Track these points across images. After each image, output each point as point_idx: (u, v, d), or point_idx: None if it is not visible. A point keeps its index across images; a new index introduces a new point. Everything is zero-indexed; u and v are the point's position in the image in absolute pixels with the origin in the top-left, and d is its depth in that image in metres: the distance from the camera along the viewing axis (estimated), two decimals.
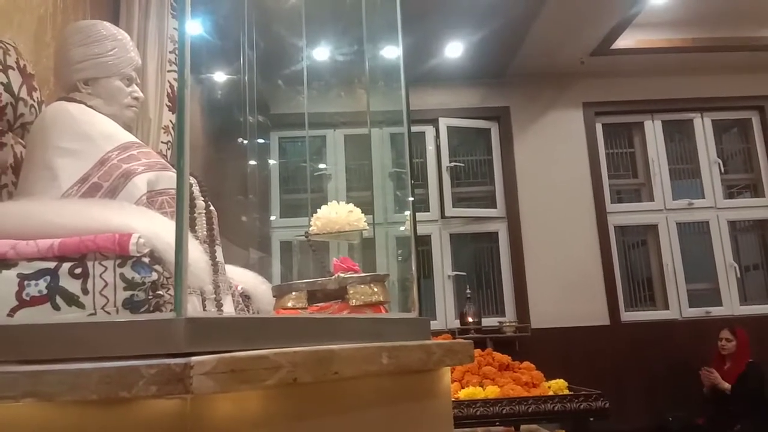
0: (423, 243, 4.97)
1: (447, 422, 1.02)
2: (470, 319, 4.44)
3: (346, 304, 1.24)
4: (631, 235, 5.11)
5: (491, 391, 1.56)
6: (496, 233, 5.00)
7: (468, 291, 4.58)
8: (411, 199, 1.19)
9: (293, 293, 1.23)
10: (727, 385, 4.10)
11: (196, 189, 1.53)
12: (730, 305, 4.86)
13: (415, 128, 5.05)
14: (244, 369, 0.63)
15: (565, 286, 4.76)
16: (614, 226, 4.98)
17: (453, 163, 4.99)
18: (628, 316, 4.80)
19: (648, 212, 5.03)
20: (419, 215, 4.95)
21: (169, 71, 2.43)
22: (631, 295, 4.95)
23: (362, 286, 1.25)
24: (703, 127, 5.17)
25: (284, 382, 0.67)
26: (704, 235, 5.01)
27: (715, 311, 4.82)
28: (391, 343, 0.86)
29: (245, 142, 3.14)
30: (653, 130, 5.16)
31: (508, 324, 4.53)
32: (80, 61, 1.57)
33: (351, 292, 1.22)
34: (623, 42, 4.62)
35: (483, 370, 1.70)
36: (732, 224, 5.05)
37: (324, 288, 1.25)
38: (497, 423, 1.56)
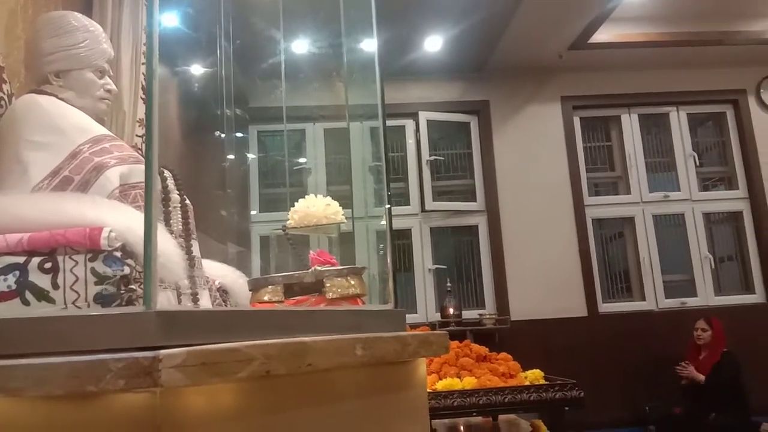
0: (403, 237, 4.98)
1: (422, 413, 1.03)
2: (450, 312, 4.47)
3: (323, 297, 1.24)
4: (609, 227, 5.18)
5: (468, 382, 1.57)
6: (476, 227, 5.03)
7: (448, 284, 4.61)
8: (387, 192, 1.19)
9: (269, 287, 1.23)
10: (701, 377, 4.17)
11: (171, 182, 1.51)
12: (705, 296, 4.95)
13: (395, 122, 5.05)
14: (215, 362, 0.63)
15: (544, 279, 4.81)
16: (592, 219, 5.04)
17: (433, 157, 5.00)
18: (605, 307, 4.87)
19: (625, 205, 5.10)
20: (400, 209, 4.97)
21: (143, 63, 2.39)
22: (608, 287, 5.02)
23: (339, 279, 1.25)
24: (678, 120, 5.24)
25: (257, 374, 0.67)
26: (680, 227, 5.09)
27: (691, 302, 4.91)
28: (365, 335, 0.86)
29: (223, 135, 3.11)
30: (630, 123, 5.23)
31: (488, 316, 4.57)
32: (51, 53, 1.54)
33: (328, 285, 1.22)
34: (601, 36, 4.67)
35: (460, 361, 1.71)
36: (707, 216, 5.15)
37: (301, 281, 1.25)
38: (474, 413, 1.58)
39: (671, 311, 4.85)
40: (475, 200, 5.06)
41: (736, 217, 5.16)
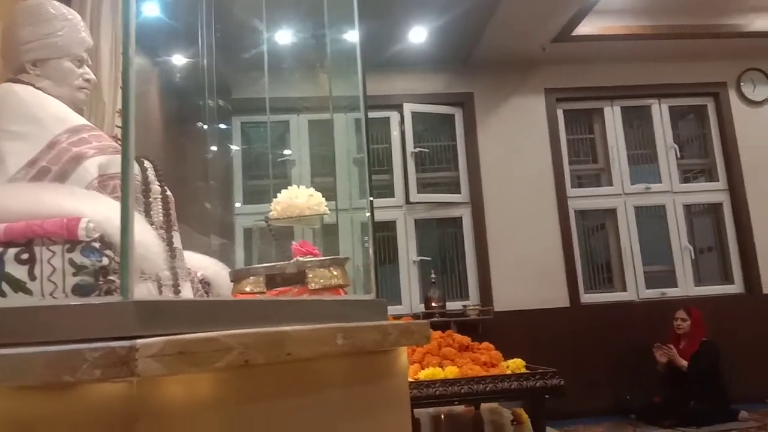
0: (388, 228, 4.98)
1: (404, 401, 1.03)
2: (435, 303, 4.49)
3: (305, 287, 1.24)
4: (591, 219, 5.23)
5: (450, 372, 1.58)
6: (461, 218, 5.05)
7: (433, 275, 4.62)
8: (368, 183, 1.19)
9: (251, 277, 1.22)
10: (684, 362, 4.24)
11: (151, 173, 1.49)
12: (685, 286, 5.02)
13: (379, 114, 5.04)
14: (193, 351, 0.62)
15: (527, 270, 4.85)
16: (575, 211, 5.08)
17: (418, 149, 5.00)
18: (587, 298, 4.93)
19: (607, 197, 5.15)
20: (384, 201, 4.97)
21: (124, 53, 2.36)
22: (590, 278, 5.07)
23: (321, 269, 1.25)
24: (660, 113, 5.30)
25: (235, 364, 0.67)
26: (661, 218, 5.15)
27: (671, 292, 4.98)
28: (346, 324, 0.86)
29: (205, 126, 3.09)
30: (612, 116, 5.27)
31: (471, 307, 4.60)
32: (28, 42, 1.51)
33: (310, 275, 1.22)
34: (584, 29, 4.69)
35: (443, 351, 1.72)
36: (687, 208, 5.21)
37: (283, 272, 1.25)
38: (456, 402, 1.59)
39: (652, 301, 4.92)
40: (459, 192, 5.08)
41: (716, 208, 5.24)
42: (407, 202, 4.95)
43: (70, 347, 0.56)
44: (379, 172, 5.08)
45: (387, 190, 5.04)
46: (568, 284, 4.86)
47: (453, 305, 4.66)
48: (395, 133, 5.07)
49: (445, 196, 5.06)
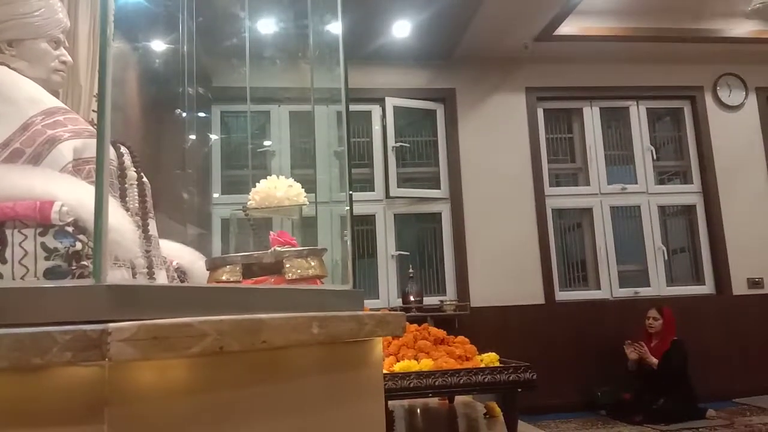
0: (367, 222, 4.99)
1: (378, 392, 1.04)
2: (412, 298, 4.51)
3: (282, 277, 1.23)
4: (568, 217, 5.29)
5: (425, 364, 1.60)
6: (440, 214, 5.07)
7: (411, 270, 4.64)
8: (348, 174, 1.19)
9: (227, 266, 1.22)
10: (654, 360, 4.33)
11: (128, 159, 1.47)
12: (658, 286, 5.11)
13: (361, 107, 5.04)
14: (166, 336, 0.62)
15: (504, 266, 4.89)
16: (552, 209, 5.14)
17: (399, 144, 5.01)
18: (562, 295, 4.99)
19: (584, 196, 5.22)
20: (364, 195, 4.97)
21: None
22: (565, 276, 5.14)
23: (299, 259, 1.25)
24: (638, 114, 5.37)
25: (210, 350, 0.67)
26: (635, 218, 5.24)
27: (644, 292, 5.07)
28: (322, 313, 0.86)
29: (184, 114, 3.05)
30: (591, 116, 5.33)
31: (448, 302, 4.62)
32: (3, 21, 1.48)
33: (287, 265, 1.22)
34: (566, 28, 4.73)
35: (418, 344, 1.73)
36: (662, 209, 5.30)
37: (260, 261, 1.24)
38: (430, 394, 1.60)
39: (625, 300, 5.00)
40: (439, 188, 5.10)
41: (689, 210, 5.34)
42: (387, 196, 4.96)
43: (39, 329, 0.56)
44: (360, 165, 5.08)
45: (367, 184, 5.04)
46: (544, 282, 4.91)
47: (430, 300, 4.69)
48: (377, 127, 5.07)
49: (424, 192, 5.08)
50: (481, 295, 4.81)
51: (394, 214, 5.03)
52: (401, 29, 4.57)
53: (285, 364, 0.86)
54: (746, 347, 4.85)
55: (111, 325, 0.57)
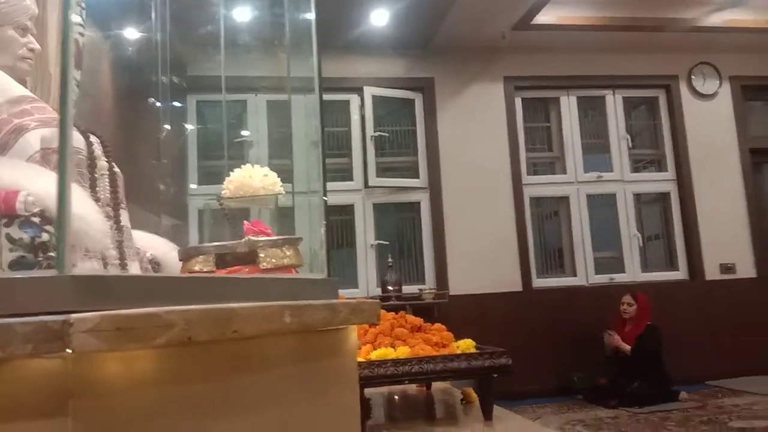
0: (346, 212, 4.98)
1: (352, 380, 1.04)
2: (391, 287, 4.52)
3: (256, 267, 1.23)
4: (545, 206, 5.34)
5: (402, 352, 1.60)
6: (419, 203, 5.08)
7: (390, 260, 4.65)
8: (321, 161, 1.19)
9: (200, 256, 1.20)
10: (627, 347, 4.41)
11: (98, 148, 1.45)
12: (633, 272, 5.20)
13: (339, 96, 5.01)
14: (132, 327, 0.61)
15: (482, 254, 4.92)
16: (529, 197, 5.18)
17: (377, 133, 5.00)
18: (539, 282, 5.05)
19: (561, 184, 5.27)
20: (343, 184, 4.96)
21: (76, 23, 2.26)
22: (542, 263, 5.19)
23: (274, 249, 1.24)
24: (614, 103, 5.43)
25: (177, 340, 0.66)
26: (611, 206, 5.31)
27: (619, 278, 5.15)
28: (294, 302, 0.86)
29: (159, 104, 3.00)
30: (568, 105, 5.37)
31: (427, 291, 4.65)
32: None
33: (262, 255, 1.21)
34: (544, 18, 4.75)
35: (395, 332, 1.74)
36: (637, 197, 5.38)
37: (234, 251, 1.23)
38: (407, 381, 1.61)
39: (600, 286, 5.07)
40: (418, 177, 5.10)
41: (664, 198, 5.42)
42: (366, 186, 4.95)
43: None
44: (338, 155, 5.06)
45: (346, 174, 5.03)
46: (522, 269, 4.96)
47: (409, 289, 4.70)
48: (355, 117, 5.05)
49: (403, 181, 5.08)
50: (459, 284, 4.85)
51: (373, 204, 5.03)
52: (379, 18, 4.54)
53: (258, 353, 0.86)
54: (718, 331, 4.97)
55: (73, 315, 0.56)
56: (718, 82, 5.45)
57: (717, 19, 5.00)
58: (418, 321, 1.88)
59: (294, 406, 0.92)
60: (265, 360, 0.87)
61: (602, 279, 5.13)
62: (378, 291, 4.69)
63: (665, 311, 4.72)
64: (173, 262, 1.70)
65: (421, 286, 4.80)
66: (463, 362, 1.60)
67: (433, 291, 4.67)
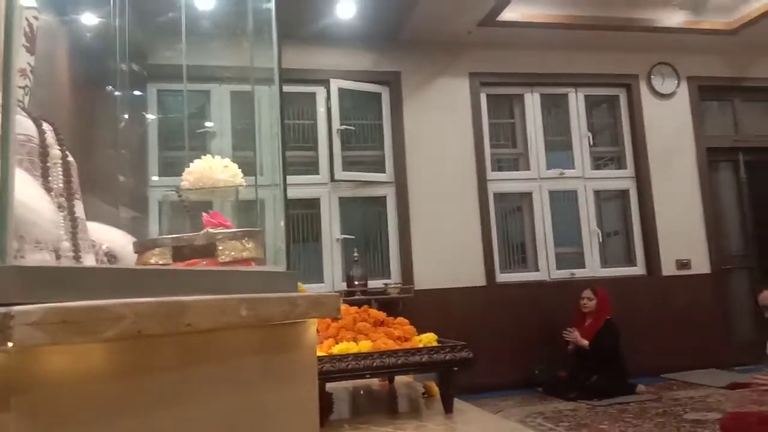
0: (312, 206, 4.95)
1: (311, 374, 1.03)
2: (356, 282, 4.51)
3: (215, 260, 1.20)
4: (509, 201, 5.41)
5: (364, 346, 1.60)
6: (385, 197, 5.08)
7: (356, 254, 4.64)
8: (280, 153, 1.17)
9: (156, 249, 1.17)
10: (585, 342, 4.50)
11: (51, 136, 1.40)
12: (593, 267, 5.31)
13: (305, 89, 4.97)
14: (78, 320, 0.59)
15: (447, 249, 4.96)
16: (494, 193, 5.23)
17: (344, 126, 4.97)
18: (502, 277, 5.11)
19: (524, 180, 5.34)
20: (309, 178, 4.92)
21: (27, 8, 2.18)
22: (506, 258, 5.26)
23: (233, 241, 1.22)
24: (576, 101, 5.52)
25: (127, 334, 0.64)
26: (573, 202, 5.40)
27: (579, 273, 5.25)
28: (251, 295, 0.84)
29: (117, 92, 2.91)
30: (532, 102, 5.44)
31: (392, 285, 4.66)
32: None
33: (220, 248, 1.19)
34: (509, 14, 4.79)
35: (358, 326, 1.74)
36: (597, 193, 5.49)
37: (191, 244, 1.21)
38: (368, 375, 1.61)
39: (562, 281, 5.17)
40: (384, 171, 5.10)
41: (623, 195, 5.55)
42: (332, 179, 4.92)
43: None
44: (304, 148, 5.02)
45: (311, 167, 5.00)
46: (485, 264, 5.02)
47: (375, 284, 4.71)
48: (321, 110, 5.02)
49: (370, 175, 5.08)
50: (425, 278, 4.87)
51: (340, 198, 5.00)
52: (346, 10, 4.52)
53: (214, 347, 0.84)
54: (674, 325, 5.11)
55: (15, 308, 0.53)
56: (676, 82, 5.60)
57: (675, 20, 5.13)
58: (381, 315, 1.88)
59: (251, 400, 0.91)
60: (221, 354, 0.85)
61: (564, 274, 5.23)
62: (344, 285, 4.68)
63: (624, 305, 4.83)
64: (130, 255, 1.66)
65: (386, 281, 4.81)
66: (425, 356, 1.60)
67: (398, 285, 4.69)
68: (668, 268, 5.33)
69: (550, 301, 4.98)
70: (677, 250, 5.35)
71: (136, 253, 1.25)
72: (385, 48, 5.10)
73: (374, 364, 1.56)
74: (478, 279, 4.99)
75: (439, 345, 1.68)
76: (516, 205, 5.43)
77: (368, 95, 5.18)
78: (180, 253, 1.21)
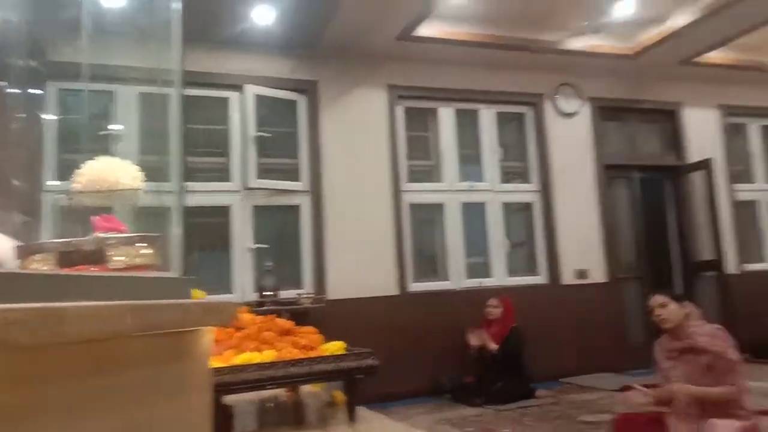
0: (222, 214, 4.83)
1: (203, 383, 1.01)
2: (268, 292, 4.44)
3: (105, 266, 1.15)
4: (422, 212, 5.51)
5: (268, 356, 1.58)
6: (299, 206, 5.04)
7: (268, 263, 4.56)
8: (178, 158, 1.14)
9: (40, 254, 1.11)
10: (494, 346, 4.66)
11: None
12: (500, 277, 5.51)
13: (218, 93, 4.86)
14: None
15: (361, 259, 4.99)
16: (408, 204, 5.32)
17: (259, 133, 4.89)
18: (415, 286, 5.20)
19: (437, 192, 5.47)
20: (220, 185, 4.81)
21: None
22: (418, 267, 5.35)
23: (126, 247, 1.17)
24: (487, 117, 5.73)
25: None
26: (482, 214, 5.59)
27: (487, 282, 5.43)
28: (138, 302, 0.82)
29: (10, 89, 2.73)
30: (446, 117, 5.60)
31: (305, 296, 4.62)
32: None
33: (111, 253, 1.14)
34: (426, 30, 4.92)
35: (263, 335, 1.71)
36: (505, 206, 5.71)
37: (80, 249, 1.15)
38: (271, 386, 1.59)
39: (471, 290, 5.32)
40: (299, 180, 5.07)
41: (528, 207, 5.80)
42: (246, 187, 4.83)
43: None
44: (215, 154, 4.90)
45: (222, 174, 4.88)
46: (398, 274, 5.09)
47: (289, 294, 4.64)
48: (235, 115, 4.92)
49: (284, 183, 5.02)
50: (339, 288, 4.87)
51: (253, 206, 4.91)
52: (263, 15, 4.47)
53: (97, 356, 0.81)
54: (573, 332, 5.38)
55: None
56: (578, 102, 5.95)
57: (579, 43, 5.45)
58: (288, 324, 1.86)
59: (140, 411, 0.88)
60: (107, 363, 0.82)
61: (473, 283, 5.39)
62: (255, 296, 4.58)
63: (527, 313, 5.03)
64: (12, 261, 1.56)
65: (299, 291, 4.76)
66: (330, 364, 1.60)
67: (311, 296, 4.65)
68: (568, 278, 5.62)
69: (459, 309, 5.11)
70: (577, 260, 5.66)
71: (18, 258, 1.18)
72: (304, 56, 5.09)
73: (278, 374, 1.54)
74: (392, 288, 5.05)
75: (344, 353, 1.68)
76: (429, 216, 5.55)
77: (285, 102, 5.14)
78: (67, 258, 1.15)
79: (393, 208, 5.18)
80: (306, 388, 2.17)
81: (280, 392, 2.21)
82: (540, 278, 5.65)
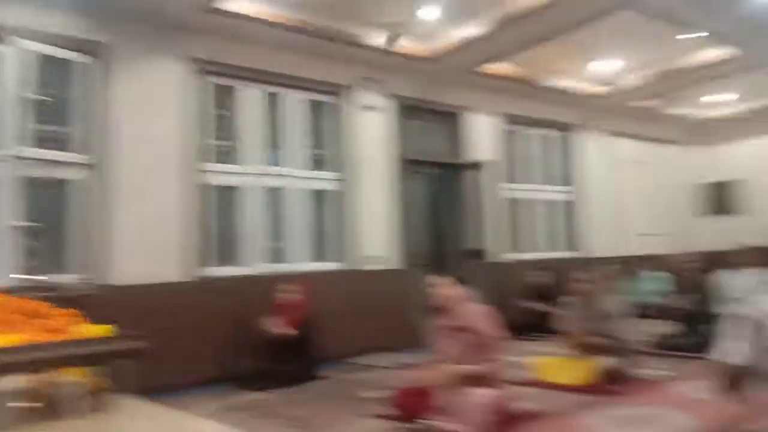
0: None
1: None
2: (33, 275, 3.92)
3: None
4: (219, 194, 5.28)
5: (11, 339, 1.38)
6: (78, 181, 4.53)
7: (35, 243, 4.02)
8: None
9: None
10: (294, 332, 4.68)
11: None
12: (297, 262, 5.54)
13: None
14: None
15: (152, 242, 4.66)
16: (203, 185, 5.07)
17: (34, 96, 4.28)
18: (209, 271, 4.99)
19: (237, 174, 5.32)
20: None
21: None
22: (215, 252, 5.14)
23: None
24: (293, 103, 5.72)
25: None
26: (283, 199, 5.57)
27: (284, 267, 5.43)
28: None
29: None
30: (252, 97, 5.46)
31: (81, 280, 4.17)
32: None
33: None
34: (236, 6, 4.71)
35: (5, 317, 1.49)
36: (306, 192, 5.75)
37: None
38: (11, 372, 1.40)
39: (266, 276, 5.23)
40: (79, 152, 4.54)
41: (328, 194, 5.92)
42: (13, 156, 4.19)
43: None
44: None
45: None
46: (190, 258, 4.84)
47: (62, 278, 4.14)
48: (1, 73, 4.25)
49: (60, 154, 4.49)
50: (125, 272, 4.46)
51: (21, 178, 4.28)
52: None
53: None
54: (364, 315, 5.56)
55: None
56: (381, 97, 6.20)
57: (377, 40, 5.63)
58: (42, 307, 1.65)
59: None
60: None
61: (270, 268, 5.34)
62: (16, 280, 4.01)
63: (323, 298, 5.09)
64: None
65: (76, 275, 4.28)
66: (83, 347, 1.46)
67: (88, 280, 4.21)
68: (361, 263, 5.85)
69: (254, 295, 4.96)
70: (369, 246, 5.92)
71: None
72: (95, 15, 4.54)
73: (23, 359, 1.36)
74: (183, 274, 4.78)
75: (103, 336, 1.55)
76: (227, 199, 5.33)
77: (67, 63, 4.56)
78: None
79: (187, 188, 4.89)
80: (69, 377, 1.96)
81: (35, 380, 1.97)
82: (339, 264, 5.80)
